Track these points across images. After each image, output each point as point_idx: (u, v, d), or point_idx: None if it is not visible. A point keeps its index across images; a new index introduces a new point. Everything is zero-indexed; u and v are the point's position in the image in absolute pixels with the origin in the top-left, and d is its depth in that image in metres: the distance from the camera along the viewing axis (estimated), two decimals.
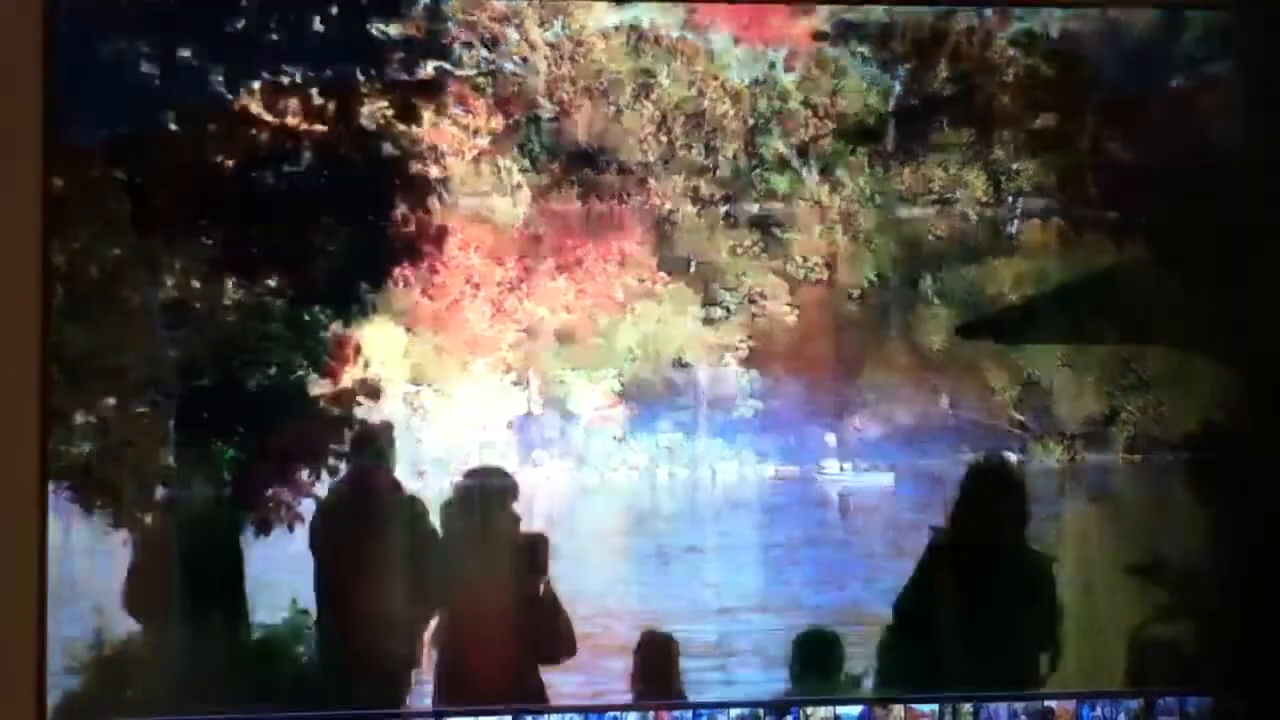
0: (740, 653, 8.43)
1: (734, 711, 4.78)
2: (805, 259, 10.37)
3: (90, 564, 9.06)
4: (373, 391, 8.17)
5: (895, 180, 9.45)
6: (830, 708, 4.79)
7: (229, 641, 7.06)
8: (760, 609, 8.90)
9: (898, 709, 4.85)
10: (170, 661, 6.88)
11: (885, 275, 9.99)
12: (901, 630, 6.06)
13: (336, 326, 8.15)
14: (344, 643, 6.98)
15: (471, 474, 6.94)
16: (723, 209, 10.04)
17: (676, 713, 4.96)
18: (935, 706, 4.82)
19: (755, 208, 10.17)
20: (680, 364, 10.43)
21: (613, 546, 10.38)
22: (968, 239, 9.74)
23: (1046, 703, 5.02)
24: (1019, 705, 4.89)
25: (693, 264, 10.43)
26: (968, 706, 4.82)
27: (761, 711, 4.79)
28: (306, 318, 8.13)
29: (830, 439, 10.46)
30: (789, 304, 10.44)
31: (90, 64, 6.65)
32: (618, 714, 5.09)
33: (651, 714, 4.97)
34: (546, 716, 5.63)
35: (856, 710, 4.99)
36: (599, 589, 9.45)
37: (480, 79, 9.07)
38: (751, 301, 10.55)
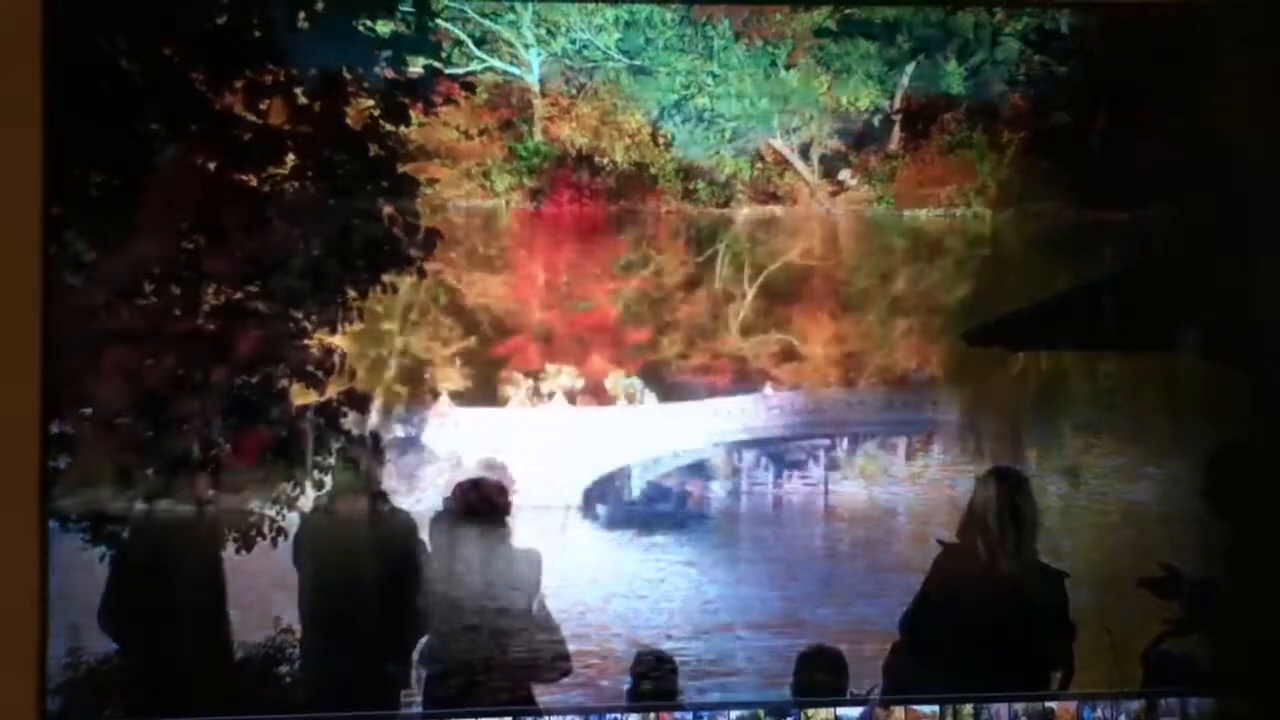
0: (741, 671, 8.46)
1: (734, 713, 4.91)
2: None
3: (66, 581, 9.16)
4: (359, 402, 8.20)
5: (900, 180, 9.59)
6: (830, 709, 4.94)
7: (210, 661, 7.12)
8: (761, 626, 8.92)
9: (899, 710, 4.99)
10: (148, 682, 6.94)
11: (890, 278, 10.10)
12: (909, 647, 6.07)
13: (321, 334, 8.16)
14: (330, 662, 7.02)
15: (462, 487, 6.88)
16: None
17: (678, 713, 5.10)
18: (936, 708, 4.96)
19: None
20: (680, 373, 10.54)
21: (609, 561, 10.41)
22: (975, 241, 9.87)
23: (1048, 704, 5.16)
24: (1020, 706, 5.04)
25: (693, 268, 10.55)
26: (969, 708, 4.96)
27: (762, 713, 4.92)
28: (290, 325, 8.15)
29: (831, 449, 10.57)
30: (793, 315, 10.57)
31: (66, 65, 6.75)
32: (618, 715, 5.24)
33: (652, 715, 5.12)
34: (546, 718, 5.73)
35: (857, 712, 5.14)
36: (595, 605, 9.47)
37: (471, 77, 9.23)
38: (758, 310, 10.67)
